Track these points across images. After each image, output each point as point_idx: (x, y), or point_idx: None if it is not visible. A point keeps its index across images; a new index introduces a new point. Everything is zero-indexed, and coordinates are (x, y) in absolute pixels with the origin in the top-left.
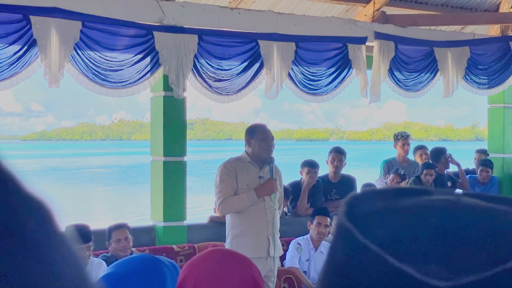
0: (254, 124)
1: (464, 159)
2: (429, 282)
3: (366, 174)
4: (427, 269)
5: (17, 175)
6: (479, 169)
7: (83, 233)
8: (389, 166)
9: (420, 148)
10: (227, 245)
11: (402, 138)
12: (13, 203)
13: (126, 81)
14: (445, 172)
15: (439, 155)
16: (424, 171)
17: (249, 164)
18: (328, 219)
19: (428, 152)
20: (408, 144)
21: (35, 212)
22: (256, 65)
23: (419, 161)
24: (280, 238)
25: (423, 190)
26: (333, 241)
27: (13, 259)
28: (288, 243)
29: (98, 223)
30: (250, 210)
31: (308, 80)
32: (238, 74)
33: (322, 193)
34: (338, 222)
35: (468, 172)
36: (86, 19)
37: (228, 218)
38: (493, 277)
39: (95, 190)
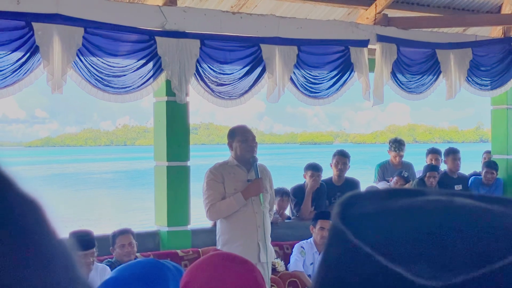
0: (234, 127)
1: (468, 160)
2: (419, 281)
3: (370, 176)
4: (418, 269)
5: (13, 175)
6: (484, 171)
7: (86, 239)
8: (383, 170)
9: (432, 152)
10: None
11: (392, 150)
12: (8, 199)
13: (129, 87)
14: (457, 174)
15: (445, 156)
16: (427, 174)
17: (236, 167)
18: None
19: (440, 157)
20: (400, 156)
21: (29, 209)
22: (259, 69)
23: None
24: (283, 241)
25: (418, 191)
26: (326, 242)
27: (6, 252)
28: (292, 246)
29: (102, 228)
30: (239, 216)
31: (309, 84)
32: (240, 78)
33: (326, 196)
34: (331, 224)
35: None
36: (88, 25)
37: (217, 224)
38: (482, 277)
39: (100, 196)
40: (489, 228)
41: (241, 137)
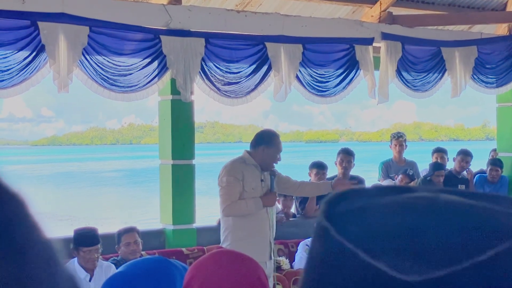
0: (273, 133)
1: (475, 158)
2: (399, 277)
3: (375, 174)
4: (400, 265)
5: None
6: (489, 168)
7: (90, 235)
8: (387, 167)
9: (438, 151)
10: (227, 247)
11: (393, 138)
12: None
13: (134, 86)
14: (461, 175)
15: (457, 154)
16: (435, 172)
17: (253, 167)
18: None
19: (446, 156)
20: (401, 145)
21: (10, 202)
22: (264, 68)
23: None
24: (289, 239)
25: (406, 188)
26: (312, 240)
27: None
28: (297, 244)
29: (108, 226)
30: (256, 214)
31: (316, 82)
32: (246, 76)
33: None
34: (316, 221)
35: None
36: (93, 24)
37: (228, 220)
38: (462, 271)
39: (106, 194)
40: (470, 223)
41: (277, 150)
